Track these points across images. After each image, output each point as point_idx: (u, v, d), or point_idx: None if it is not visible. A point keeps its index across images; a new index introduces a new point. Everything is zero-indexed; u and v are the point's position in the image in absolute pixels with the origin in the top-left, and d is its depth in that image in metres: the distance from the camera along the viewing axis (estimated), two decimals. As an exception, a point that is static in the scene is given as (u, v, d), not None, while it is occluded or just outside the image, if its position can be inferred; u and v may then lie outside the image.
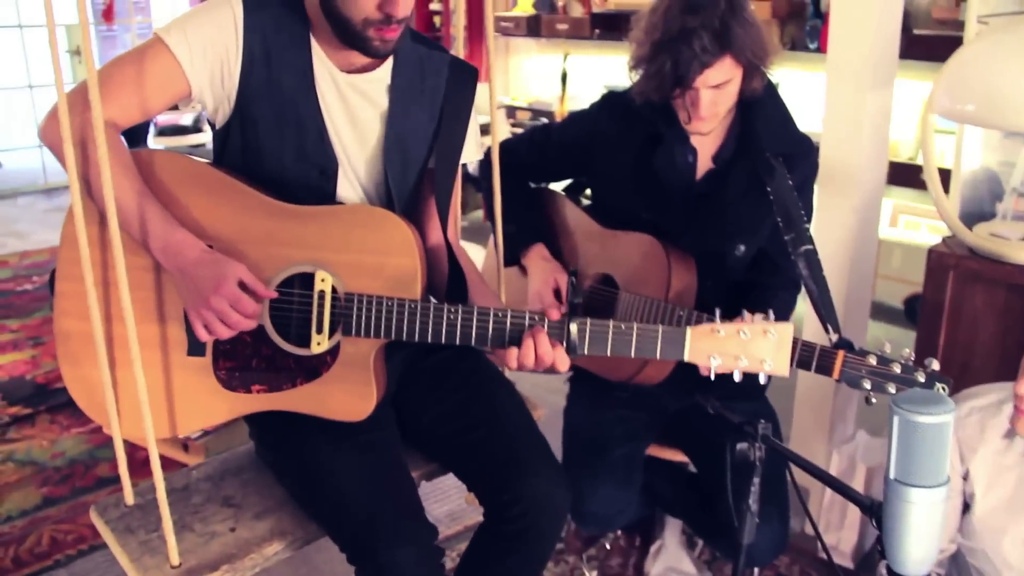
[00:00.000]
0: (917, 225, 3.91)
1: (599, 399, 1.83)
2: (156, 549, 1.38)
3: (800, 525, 2.34)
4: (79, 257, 1.26)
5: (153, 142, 5.65)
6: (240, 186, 1.39)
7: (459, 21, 2.09)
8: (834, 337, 1.46)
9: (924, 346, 2.13)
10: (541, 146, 1.94)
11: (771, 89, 1.74)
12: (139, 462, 1.58)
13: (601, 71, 4.96)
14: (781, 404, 1.91)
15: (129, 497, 1.48)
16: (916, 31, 3.43)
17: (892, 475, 1.04)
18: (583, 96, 4.99)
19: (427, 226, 1.58)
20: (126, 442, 1.39)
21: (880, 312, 3.60)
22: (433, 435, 1.56)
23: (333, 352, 1.39)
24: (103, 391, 1.35)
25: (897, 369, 1.40)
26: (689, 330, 1.32)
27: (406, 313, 1.36)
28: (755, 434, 1.25)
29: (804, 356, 1.47)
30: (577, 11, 5.01)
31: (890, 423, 1.03)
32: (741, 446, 1.26)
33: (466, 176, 1.72)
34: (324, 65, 1.43)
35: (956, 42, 2.17)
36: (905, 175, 3.58)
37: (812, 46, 3.80)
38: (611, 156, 1.81)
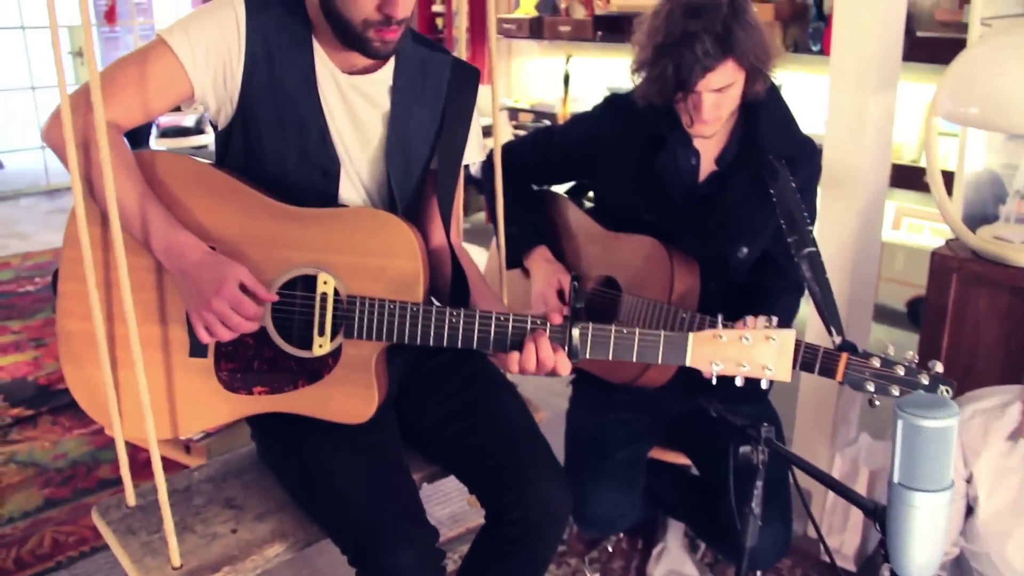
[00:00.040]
0: (920, 228, 3.90)
1: (601, 401, 1.83)
2: (158, 550, 1.38)
3: (803, 528, 2.34)
4: (82, 257, 1.26)
5: (155, 143, 5.65)
6: (242, 187, 1.39)
7: (461, 23, 2.09)
8: (837, 339, 1.46)
9: (927, 349, 2.12)
10: (543, 148, 1.94)
11: (774, 91, 1.73)
12: (141, 463, 1.57)
13: (603, 73, 4.95)
14: (784, 407, 1.91)
15: (131, 498, 1.48)
16: (919, 33, 3.43)
17: (896, 479, 1.04)
18: (585, 98, 4.98)
19: (429, 228, 1.58)
20: (128, 443, 1.39)
21: (883, 315, 3.59)
22: (435, 437, 1.55)
23: (335, 354, 1.39)
24: (105, 392, 1.35)
25: (901, 371, 1.39)
26: (691, 335, 1.32)
27: (408, 316, 1.36)
28: (758, 437, 1.25)
29: (808, 358, 1.47)
30: (579, 13, 5.00)
31: (894, 427, 1.03)
32: (744, 449, 1.26)
33: (468, 178, 1.72)
34: (326, 66, 1.43)
35: (959, 44, 2.17)
36: (908, 177, 3.57)
37: (815, 48, 3.80)
38: (614, 158, 1.81)
